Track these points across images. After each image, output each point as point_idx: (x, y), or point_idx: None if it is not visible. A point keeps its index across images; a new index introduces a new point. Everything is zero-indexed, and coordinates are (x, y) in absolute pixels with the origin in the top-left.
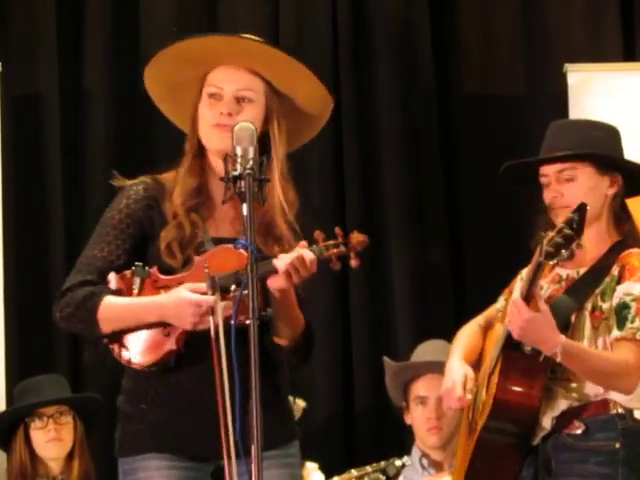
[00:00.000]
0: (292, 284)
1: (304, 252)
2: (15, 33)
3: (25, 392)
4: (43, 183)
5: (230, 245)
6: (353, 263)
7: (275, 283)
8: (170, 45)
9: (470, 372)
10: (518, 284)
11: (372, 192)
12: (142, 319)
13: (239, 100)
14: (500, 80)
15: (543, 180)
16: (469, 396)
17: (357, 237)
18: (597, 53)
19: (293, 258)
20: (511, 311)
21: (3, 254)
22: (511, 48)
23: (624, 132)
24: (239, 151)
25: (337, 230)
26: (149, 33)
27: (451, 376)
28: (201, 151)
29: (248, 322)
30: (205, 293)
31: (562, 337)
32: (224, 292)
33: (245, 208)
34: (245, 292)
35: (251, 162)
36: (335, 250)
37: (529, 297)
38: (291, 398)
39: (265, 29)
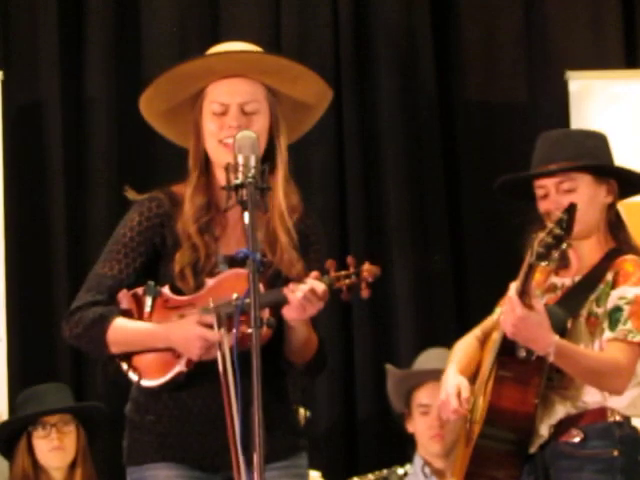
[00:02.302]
0: (306, 316)
1: (315, 284)
2: (16, 41)
3: (28, 401)
4: (45, 191)
5: (241, 270)
6: (364, 294)
7: (289, 315)
8: (165, 72)
9: (464, 382)
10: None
11: (374, 200)
12: (150, 345)
13: (246, 113)
14: (502, 88)
15: (540, 192)
16: (466, 405)
17: (369, 268)
18: (599, 60)
19: (305, 291)
20: (505, 309)
21: (5, 262)
22: (513, 56)
23: (625, 139)
24: (240, 159)
25: (349, 260)
26: (151, 41)
27: (445, 388)
28: (207, 166)
29: (250, 331)
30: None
31: (555, 337)
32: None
33: (246, 217)
34: (247, 301)
35: (253, 170)
36: (347, 281)
37: (522, 298)
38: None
39: (267, 41)
